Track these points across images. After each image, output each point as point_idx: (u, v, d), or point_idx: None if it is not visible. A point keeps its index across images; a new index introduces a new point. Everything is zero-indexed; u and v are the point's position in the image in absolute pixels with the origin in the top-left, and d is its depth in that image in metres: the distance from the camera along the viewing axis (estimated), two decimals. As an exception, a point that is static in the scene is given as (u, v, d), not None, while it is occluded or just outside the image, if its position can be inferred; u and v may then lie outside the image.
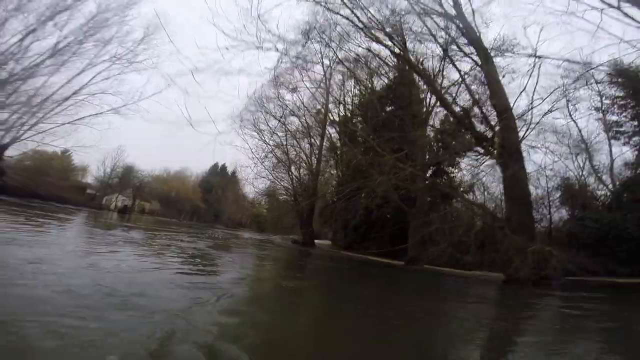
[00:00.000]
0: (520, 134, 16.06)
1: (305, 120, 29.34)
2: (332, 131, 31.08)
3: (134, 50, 26.77)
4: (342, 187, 28.02)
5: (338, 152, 30.68)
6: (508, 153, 14.10)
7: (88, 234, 14.28)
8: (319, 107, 30.04)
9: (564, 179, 23.72)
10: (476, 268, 18.68)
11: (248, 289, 7.79)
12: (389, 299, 8.76)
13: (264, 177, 30.81)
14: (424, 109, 26.70)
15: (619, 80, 20.36)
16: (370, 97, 28.09)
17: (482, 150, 15.07)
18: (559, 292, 12.38)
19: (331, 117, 30.00)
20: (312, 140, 29.67)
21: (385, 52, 26.56)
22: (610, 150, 23.20)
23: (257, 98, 28.90)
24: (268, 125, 29.64)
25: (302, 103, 29.15)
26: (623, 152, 22.77)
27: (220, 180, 74.64)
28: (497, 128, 14.71)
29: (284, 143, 29.31)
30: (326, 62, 29.89)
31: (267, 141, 29.71)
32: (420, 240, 19.57)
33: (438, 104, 25.31)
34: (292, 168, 29.40)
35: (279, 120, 28.98)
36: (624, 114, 22.17)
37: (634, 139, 21.78)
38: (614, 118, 22.70)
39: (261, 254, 19.28)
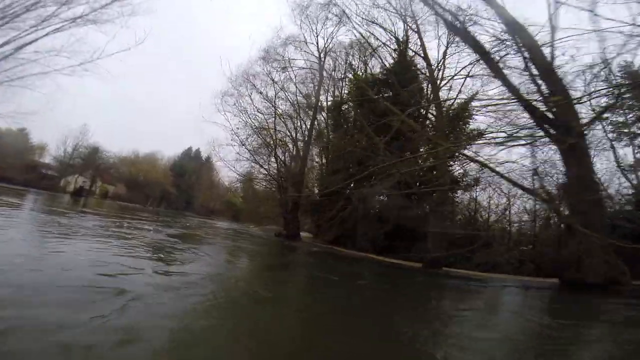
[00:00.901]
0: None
1: (297, 101, 26.05)
2: (320, 118, 28.03)
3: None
4: (332, 177, 25.08)
5: (325, 139, 27.63)
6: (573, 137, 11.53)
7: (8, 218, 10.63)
8: (310, 89, 26.85)
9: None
10: (510, 271, 16.20)
11: (198, 298, 4.87)
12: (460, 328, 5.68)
13: (245, 159, 27.18)
14: (424, 100, 24.06)
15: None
16: (366, 80, 25.14)
17: (541, 133, 12.34)
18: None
19: (322, 103, 26.99)
20: (302, 123, 26.40)
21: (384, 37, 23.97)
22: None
23: (244, 73, 25.39)
24: (253, 104, 26.12)
25: (294, 83, 25.83)
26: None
27: (194, 165, 69.61)
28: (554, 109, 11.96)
29: (269, 125, 25.88)
30: (321, 42, 26.85)
31: (252, 121, 26.15)
32: (441, 238, 16.98)
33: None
34: (279, 152, 25.99)
35: (266, 99, 25.55)
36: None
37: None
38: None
39: (237, 246, 16.08)
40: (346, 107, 27.36)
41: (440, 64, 23.53)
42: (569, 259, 11.71)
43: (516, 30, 13.22)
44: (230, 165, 27.34)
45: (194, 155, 72.68)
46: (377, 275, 12.76)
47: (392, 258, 19.55)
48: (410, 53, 24.28)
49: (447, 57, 23.31)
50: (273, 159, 26.42)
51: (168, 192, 63.55)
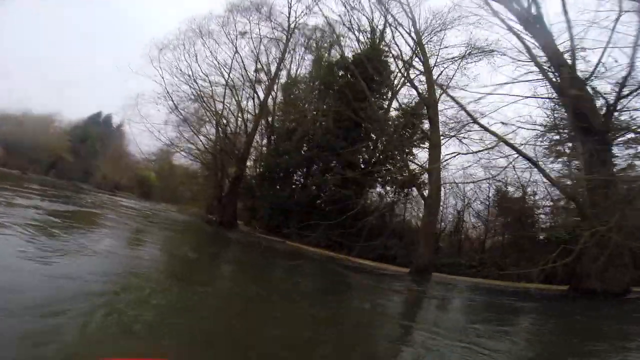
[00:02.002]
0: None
1: (256, 70, 21.65)
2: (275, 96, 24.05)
3: None
4: (279, 158, 21.39)
5: (270, 119, 23.70)
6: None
7: None
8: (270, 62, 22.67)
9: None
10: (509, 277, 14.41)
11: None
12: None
13: (176, 126, 21.70)
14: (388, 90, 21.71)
15: None
16: (335, 62, 21.97)
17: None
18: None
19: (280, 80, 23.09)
20: (255, 97, 22.14)
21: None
22: None
23: (198, 27, 20.18)
24: (199, 66, 20.99)
25: (255, 53, 21.36)
26: None
27: (100, 132, 58.12)
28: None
29: (214, 93, 21.05)
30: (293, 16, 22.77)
31: (194, 84, 20.95)
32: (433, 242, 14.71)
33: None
34: (219, 125, 21.19)
35: (217, 64, 20.73)
36: None
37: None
38: None
39: (149, 238, 11.80)
40: (303, 87, 23.78)
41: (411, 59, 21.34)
42: (586, 266, 10.39)
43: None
44: (153, 130, 21.61)
45: (103, 120, 60.75)
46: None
47: (339, 253, 16.88)
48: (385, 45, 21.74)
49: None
50: (212, 132, 21.57)
51: (61, 159, 51.95)
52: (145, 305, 4.84)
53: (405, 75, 18.73)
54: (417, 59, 18.50)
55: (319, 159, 19.54)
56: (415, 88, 17.79)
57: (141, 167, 56.50)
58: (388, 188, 20.26)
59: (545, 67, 12.34)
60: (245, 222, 24.45)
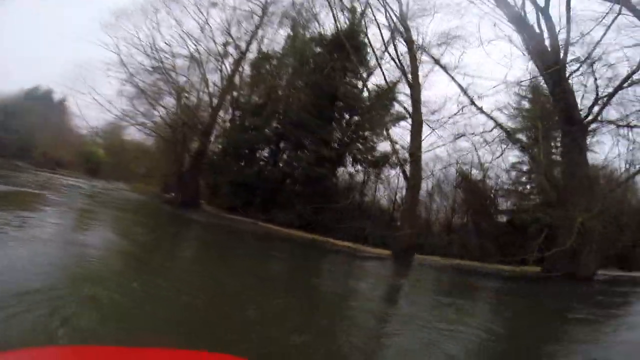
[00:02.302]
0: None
1: (224, 46, 19.64)
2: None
3: None
4: (245, 134, 19.88)
5: (236, 93, 21.87)
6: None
7: None
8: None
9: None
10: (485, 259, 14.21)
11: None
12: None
13: (131, 98, 19.13)
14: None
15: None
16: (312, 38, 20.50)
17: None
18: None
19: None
20: (222, 69, 20.11)
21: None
22: None
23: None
24: (161, 34, 18.50)
25: (227, 26, 19.17)
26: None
27: (39, 107, 51.64)
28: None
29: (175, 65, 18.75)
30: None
31: (155, 54, 18.45)
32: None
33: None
34: (181, 97, 18.99)
35: (183, 32, 18.37)
36: None
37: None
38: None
39: (100, 221, 10.30)
40: (275, 63, 22.05)
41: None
42: (560, 251, 10.38)
43: None
44: (103, 103, 18.92)
45: (42, 95, 53.97)
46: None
47: (309, 233, 15.99)
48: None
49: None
50: (172, 105, 19.31)
51: (-10, 134, 45.68)
52: (91, 303, 3.63)
53: (389, 52, 17.67)
54: (400, 40, 17.57)
55: (293, 135, 18.29)
56: (401, 68, 16.69)
57: (87, 143, 51.57)
58: (359, 167, 19.55)
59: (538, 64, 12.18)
60: (206, 201, 22.74)
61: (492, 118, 14.49)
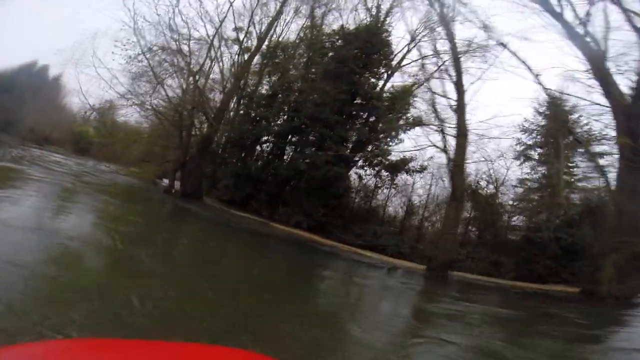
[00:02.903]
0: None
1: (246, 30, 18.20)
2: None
3: None
4: (253, 126, 18.36)
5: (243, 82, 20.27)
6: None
7: None
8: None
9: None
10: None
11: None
12: None
13: (135, 78, 17.24)
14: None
15: None
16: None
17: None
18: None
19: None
20: (240, 54, 18.45)
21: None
22: None
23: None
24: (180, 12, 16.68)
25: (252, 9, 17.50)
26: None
27: (32, 82, 48.64)
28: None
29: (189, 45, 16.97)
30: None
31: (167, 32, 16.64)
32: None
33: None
34: (193, 78, 17.08)
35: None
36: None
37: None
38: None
39: (93, 210, 8.75)
40: (290, 53, 20.49)
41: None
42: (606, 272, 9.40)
43: None
44: (106, 78, 17.00)
45: (38, 71, 50.90)
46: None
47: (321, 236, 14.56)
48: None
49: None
50: (181, 87, 17.48)
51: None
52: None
53: (436, 52, 15.95)
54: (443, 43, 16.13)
55: (308, 130, 16.84)
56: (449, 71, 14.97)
57: (79, 122, 49.03)
58: (367, 170, 18.24)
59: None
60: (204, 192, 20.94)
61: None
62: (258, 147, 20.68)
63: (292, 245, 11.74)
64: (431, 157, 17.60)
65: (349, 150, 16.52)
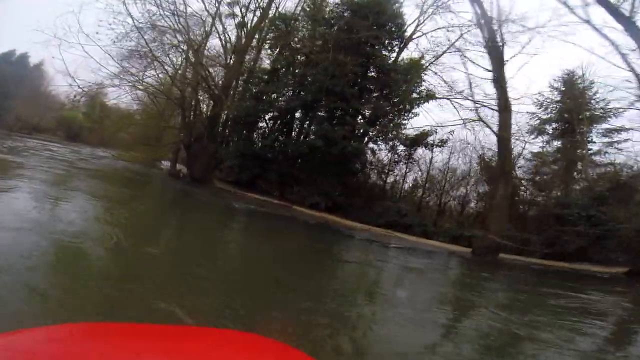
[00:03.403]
0: None
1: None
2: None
3: None
4: (259, 102, 16.98)
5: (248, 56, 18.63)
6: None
7: None
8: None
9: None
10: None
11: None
12: None
13: (126, 57, 15.41)
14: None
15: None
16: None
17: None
18: None
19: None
20: (243, 29, 16.73)
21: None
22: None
23: None
24: None
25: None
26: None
27: (14, 72, 45.66)
28: None
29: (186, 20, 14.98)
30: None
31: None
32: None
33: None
34: (197, 52, 15.23)
35: None
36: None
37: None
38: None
39: (99, 198, 7.61)
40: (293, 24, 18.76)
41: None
42: None
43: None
44: (94, 57, 15.16)
45: (17, 59, 47.71)
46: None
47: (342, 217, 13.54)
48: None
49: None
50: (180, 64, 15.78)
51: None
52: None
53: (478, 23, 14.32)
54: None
55: (323, 104, 15.51)
56: (490, 40, 13.29)
57: (67, 108, 46.69)
58: (381, 145, 17.08)
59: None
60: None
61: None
62: (263, 125, 19.43)
63: (328, 231, 10.68)
64: (451, 131, 16.54)
65: (368, 125, 15.29)
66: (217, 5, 15.74)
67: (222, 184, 16.40)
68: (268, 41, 19.33)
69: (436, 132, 16.48)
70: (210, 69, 16.11)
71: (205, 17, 15.68)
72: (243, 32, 17.32)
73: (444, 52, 16.21)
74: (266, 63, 20.28)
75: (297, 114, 17.94)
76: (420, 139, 16.49)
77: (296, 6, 18.94)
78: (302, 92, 16.64)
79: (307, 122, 16.89)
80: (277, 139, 17.83)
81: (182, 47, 15.29)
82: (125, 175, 14.30)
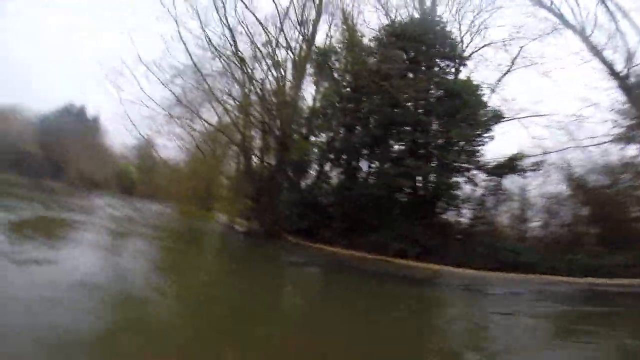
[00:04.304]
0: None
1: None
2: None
3: None
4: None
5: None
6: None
7: None
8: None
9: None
10: None
11: None
12: None
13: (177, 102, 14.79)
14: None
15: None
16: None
17: None
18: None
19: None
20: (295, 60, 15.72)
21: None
22: None
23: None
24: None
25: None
26: None
27: (73, 124, 48.61)
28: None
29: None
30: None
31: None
32: None
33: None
34: (262, 90, 14.22)
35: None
36: None
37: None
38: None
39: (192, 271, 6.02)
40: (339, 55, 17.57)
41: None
42: None
43: None
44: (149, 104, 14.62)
45: (77, 112, 50.86)
46: None
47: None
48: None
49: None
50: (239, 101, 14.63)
51: (28, 155, 42.89)
52: None
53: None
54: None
55: (397, 137, 13.78)
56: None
57: (120, 161, 48.55)
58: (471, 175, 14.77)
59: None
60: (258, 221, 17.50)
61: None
62: (317, 167, 17.89)
63: (454, 289, 8.59)
64: (544, 152, 14.15)
65: (456, 155, 13.20)
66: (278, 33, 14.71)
67: (293, 237, 14.74)
68: (309, 76, 18.11)
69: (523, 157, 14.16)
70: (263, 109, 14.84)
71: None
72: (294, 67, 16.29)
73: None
74: (317, 98, 19.10)
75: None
76: (509, 165, 14.15)
77: (326, 40, 17.86)
78: (357, 127, 15.05)
79: (376, 159, 15.10)
80: (342, 183, 16.18)
81: (246, 85, 14.15)
82: (190, 234, 13.20)
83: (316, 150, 17.48)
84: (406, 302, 7.01)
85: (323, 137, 17.60)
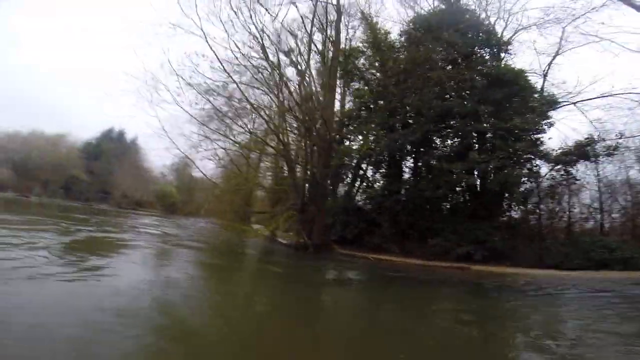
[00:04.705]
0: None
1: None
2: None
3: None
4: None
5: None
6: None
7: None
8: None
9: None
10: None
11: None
12: None
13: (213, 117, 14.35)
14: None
15: None
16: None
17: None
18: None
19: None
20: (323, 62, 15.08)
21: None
22: None
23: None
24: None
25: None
26: None
27: (115, 147, 50.94)
28: None
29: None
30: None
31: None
32: None
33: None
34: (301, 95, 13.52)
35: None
36: None
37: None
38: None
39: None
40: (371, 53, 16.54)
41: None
42: None
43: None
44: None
45: (116, 136, 53.35)
46: None
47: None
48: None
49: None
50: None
51: (75, 179, 45.09)
52: None
53: None
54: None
55: (454, 130, 12.60)
56: None
57: (161, 182, 49.94)
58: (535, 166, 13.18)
59: None
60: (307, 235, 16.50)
61: None
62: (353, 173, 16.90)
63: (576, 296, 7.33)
64: (620, 134, 12.44)
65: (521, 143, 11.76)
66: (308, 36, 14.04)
67: (342, 248, 13.84)
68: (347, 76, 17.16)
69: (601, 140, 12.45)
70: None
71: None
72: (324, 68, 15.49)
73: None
74: (348, 100, 18.14)
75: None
76: (578, 152, 12.48)
77: (346, 41, 16.84)
78: (398, 126, 13.99)
79: (427, 157, 13.91)
80: (386, 186, 15.14)
81: (282, 91, 13.45)
82: (235, 251, 12.70)
83: (354, 155, 16.55)
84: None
85: (359, 140, 16.74)
